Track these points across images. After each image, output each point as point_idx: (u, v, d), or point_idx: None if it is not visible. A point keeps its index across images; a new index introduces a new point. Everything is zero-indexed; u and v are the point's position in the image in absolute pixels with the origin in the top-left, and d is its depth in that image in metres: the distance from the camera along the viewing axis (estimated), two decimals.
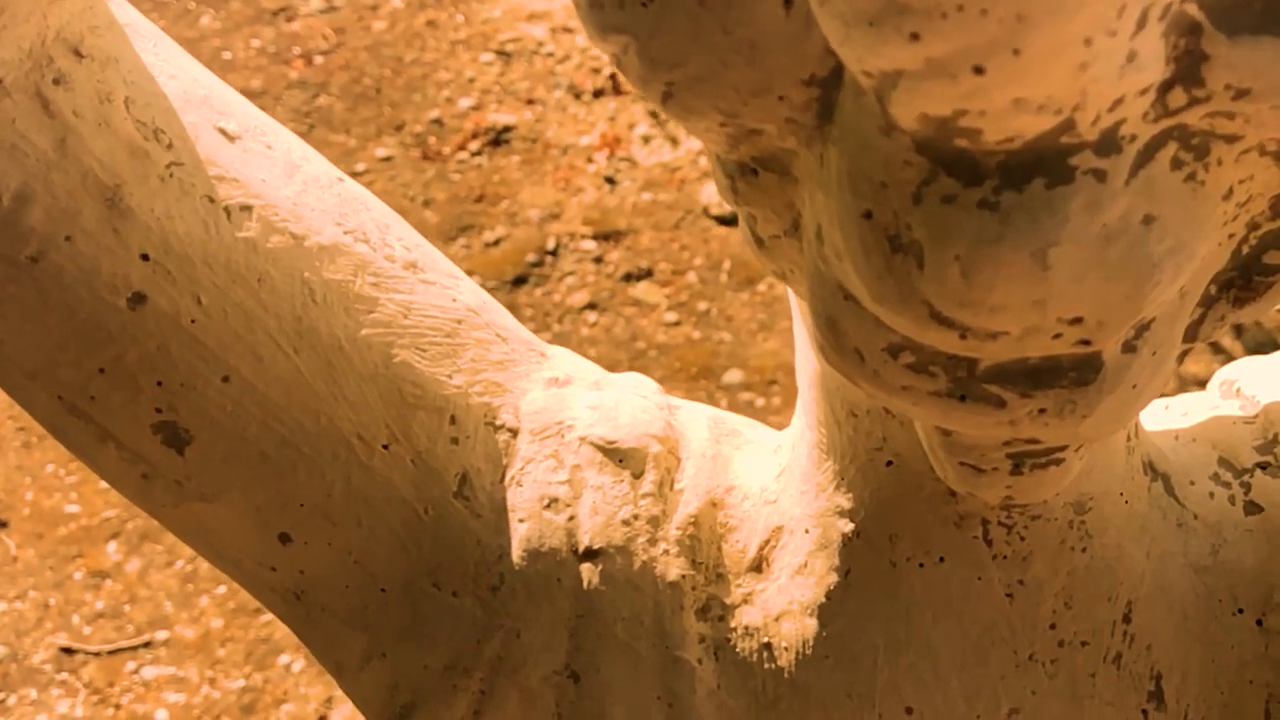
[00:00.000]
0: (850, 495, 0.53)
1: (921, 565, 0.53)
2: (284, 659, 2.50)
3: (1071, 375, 0.37)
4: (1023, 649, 0.54)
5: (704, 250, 3.12)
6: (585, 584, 0.53)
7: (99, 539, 2.72)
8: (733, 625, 0.55)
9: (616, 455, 0.55)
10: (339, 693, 2.63)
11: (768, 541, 0.56)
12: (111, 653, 2.54)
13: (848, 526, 0.53)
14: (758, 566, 0.56)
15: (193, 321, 0.49)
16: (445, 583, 0.53)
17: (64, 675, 2.52)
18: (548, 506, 0.54)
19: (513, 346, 0.57)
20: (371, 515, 0.53)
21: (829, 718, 0.54)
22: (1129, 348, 0.38)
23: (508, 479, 0.52)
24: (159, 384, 0.49)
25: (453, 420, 0.54)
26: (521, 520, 0.54)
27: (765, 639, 0.54)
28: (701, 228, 3.18)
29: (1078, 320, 0.34)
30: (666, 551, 0.54)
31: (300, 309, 0.51)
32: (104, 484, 2.85)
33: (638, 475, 0.55)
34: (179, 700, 2.52)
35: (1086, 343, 0.36)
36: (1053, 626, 0.54)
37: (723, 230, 3.20)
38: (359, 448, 0.52)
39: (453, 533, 0.52)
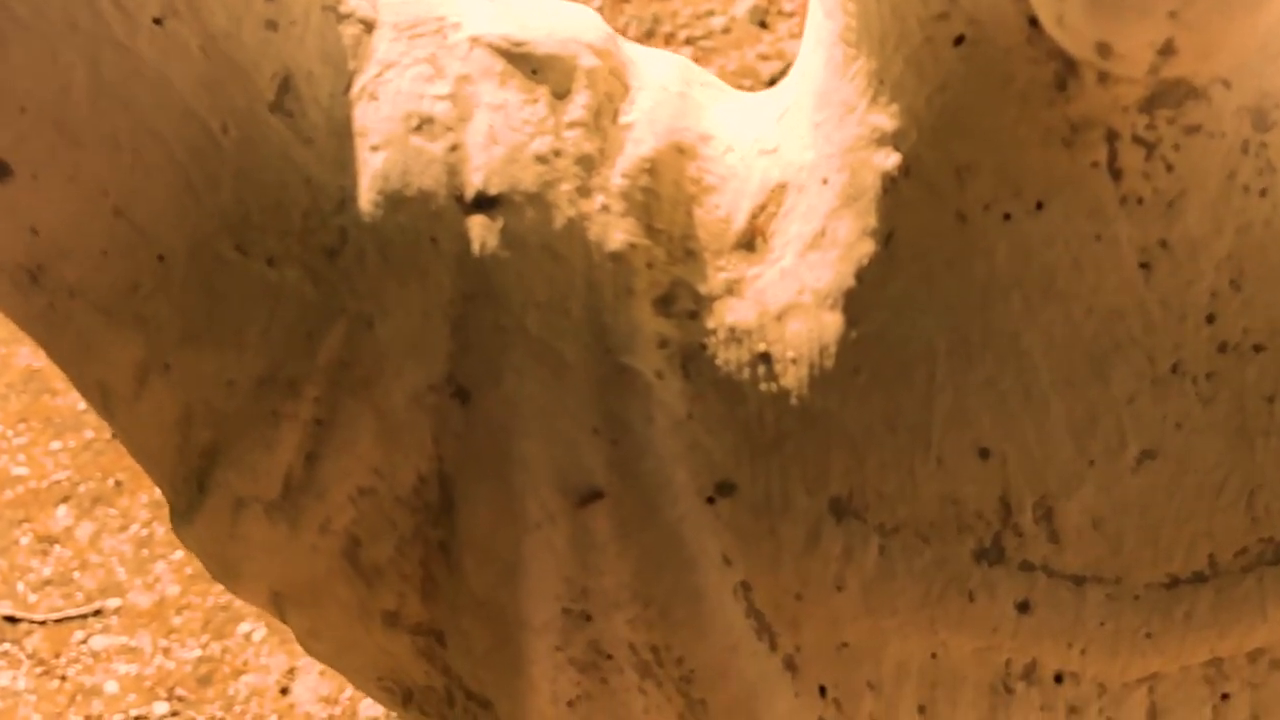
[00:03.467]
0: (896, 108, 0.34)
1: (1007, 217, 0.34)
2: (244, 627, 2.33)
3: None
4: (1163, 355, 0.35)
5: None
6: (476, 248, 0.34)
7: (48, 503, 2.55)
8: (711, 326, 0.35)
9: (528, 64, 0.36)
10: (302, 663, 2.46)
11: (764, 205, 0.36)
12: (58, 621, 2.38)
13: (890, 160, 0.34)
14: (749, 242, 0.36)
15: None
16: (255, 245, 0.34)
17: (6, 646, 2.35)
18: (418, 129, 0.35)
19: None
20: (137, 131, 0.34)
21: (860, 464, 0.35)
22: None
23: (356, 89, 0.34)
24: None
25: None
26: (376, 149, 0.35)
27: (762, 346, 0.35)
28: None
29: None
30: (606, 208, 0.35)
31: None
32: (55, 445, 2.69)
33: (560, 95, 0.36)
34: (130, 671, 2.35)
35: None
36: (1211, 319, 0.35)
37: None
38: (113, 17, 0.33)
39: (267, 166, 0.33)
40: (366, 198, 0.35)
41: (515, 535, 0.35)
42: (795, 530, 0.36)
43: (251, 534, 0.36)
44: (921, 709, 0.37)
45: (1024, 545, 0.36)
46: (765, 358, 0.36)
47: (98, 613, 2.51)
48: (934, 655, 0.37)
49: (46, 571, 2.58)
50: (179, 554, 2.50)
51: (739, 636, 0.36)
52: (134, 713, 2.32)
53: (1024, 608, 0.36)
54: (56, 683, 2.43)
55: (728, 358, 0.36)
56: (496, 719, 0.38)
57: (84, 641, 2.45)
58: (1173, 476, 0.36)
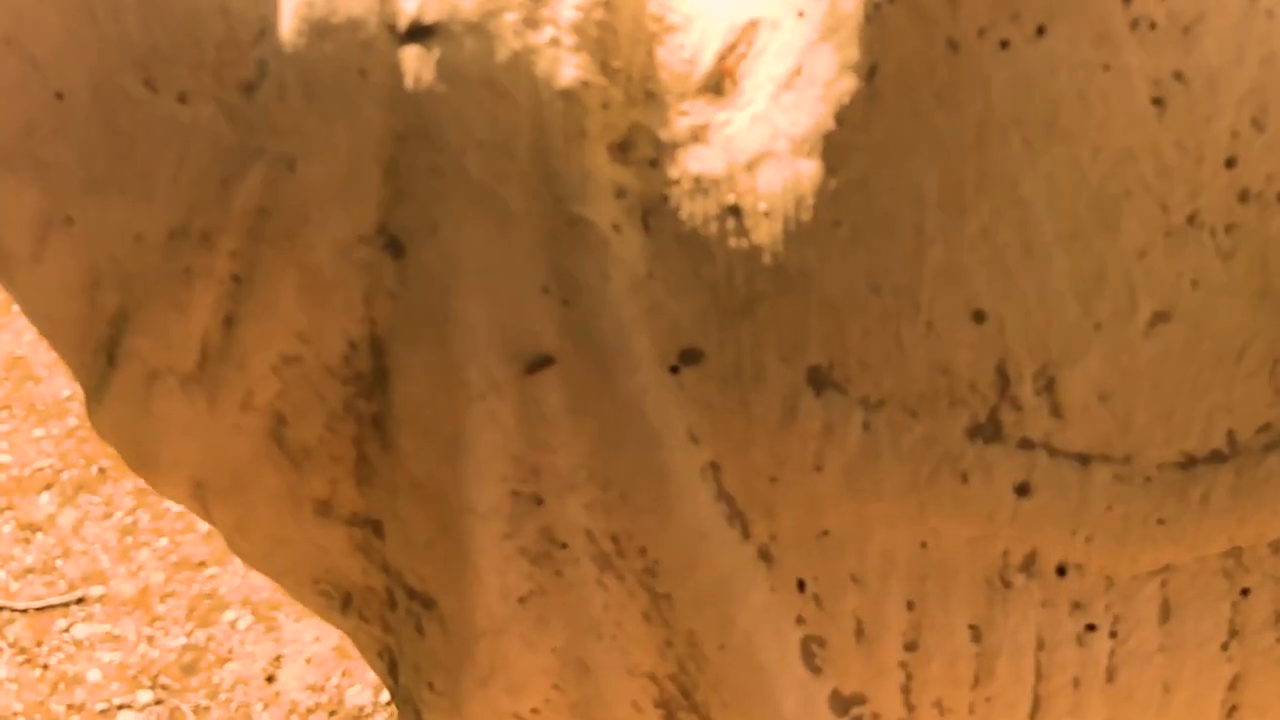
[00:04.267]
0: None
1: (1004, 44, 0.30)
2: (229, 615, 2.29)
3: None
4: (1178, 204, 0.31)
5: None
6: (410, 82, 0.31)
7: (30, 490, 2.52)
8: (673, 175, 0.32)
9: None
10: (289, 651, 2.42)
11: (733, 46, 0.33)
12: (40, 609, 2.34)
13: None
14: (716, 85, 0.33)
15: None
16: (165, 79, 0.31)
17: None
18: None
19: None
20: None
21: (841, 329, 0.31)
22: None
23: None
24: None
25: None
26: None
27: (731, 198, 0.32)
28: None
29: None
30: (555, 41, 0.31)
31: None
32: (38, 433, 2.66)
33: None
34: (113, 660, 2.31)
35: None
36: (1231, 163, 0.31)
37: None
38: None
39: None
40: (289, 26, 0.31)
41: (456, 408, 0.32)
42: (769, 404, 0.32)
43: (167, 411, 0.33)
44: (910, 604, 0.34)
45: (1023, 420, 0.32)
46: (735, 211, 0.32)
47: (80, 601, 2.47)
48: (924, 545, 0.33)
49: (29, 559, 2.54)
50: (163, 541, 2.46)
51: (707, 523, 0.33)
52: (117, 701, 2.28)
53: (1023, 490, 0.33)
54: (38, 671, 2.39)
55: (693, 211, 0.32)
56: (441, 619, 0.34)
57: (66, 630, 2.41)
58: (1188, 342, 0.32)
